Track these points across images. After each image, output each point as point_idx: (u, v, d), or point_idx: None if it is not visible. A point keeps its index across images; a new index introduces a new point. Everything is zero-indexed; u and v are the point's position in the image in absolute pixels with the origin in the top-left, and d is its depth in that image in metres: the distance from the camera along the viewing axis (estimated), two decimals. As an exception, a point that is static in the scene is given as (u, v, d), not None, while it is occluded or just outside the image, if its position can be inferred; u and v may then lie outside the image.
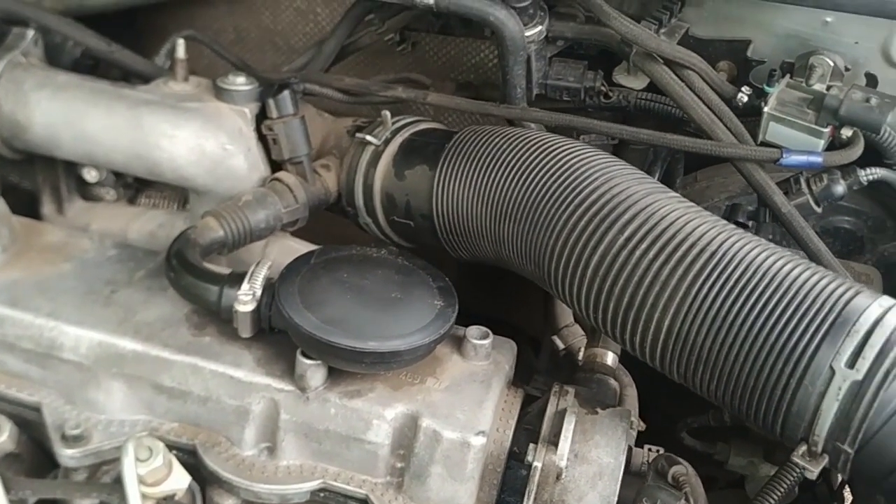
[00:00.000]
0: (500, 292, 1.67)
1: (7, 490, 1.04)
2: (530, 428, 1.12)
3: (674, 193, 1.11)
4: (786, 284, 0.96)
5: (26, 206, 1.38)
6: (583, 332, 1.46)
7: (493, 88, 1.61)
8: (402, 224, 1.30)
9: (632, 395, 1.31)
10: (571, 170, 1.12)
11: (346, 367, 1.05)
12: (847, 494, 1.51)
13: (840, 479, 1.51)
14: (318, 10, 1.74)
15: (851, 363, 0.91)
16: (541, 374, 1.40)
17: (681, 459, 1.14)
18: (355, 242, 1.21)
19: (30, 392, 1.13)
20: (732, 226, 1.06)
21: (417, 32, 1.51)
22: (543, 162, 1.14)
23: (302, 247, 1.34)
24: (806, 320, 0.94)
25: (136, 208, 1.45)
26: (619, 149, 1.46)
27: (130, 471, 0.98)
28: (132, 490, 0.98)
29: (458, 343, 1.13)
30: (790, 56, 1.28)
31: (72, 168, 1.40)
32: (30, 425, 1.14)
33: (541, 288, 1.68)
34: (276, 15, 1.77)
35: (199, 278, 1.11)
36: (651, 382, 1.31)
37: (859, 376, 0.91)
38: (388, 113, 1.32)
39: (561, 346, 1.44)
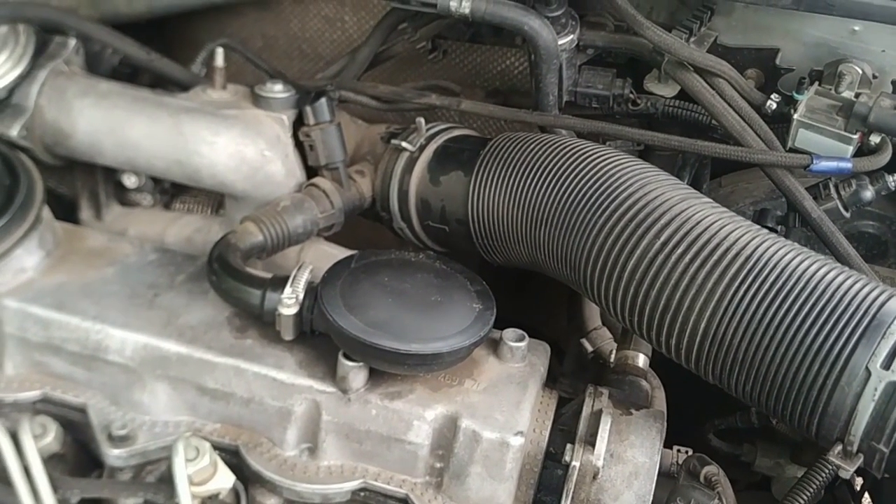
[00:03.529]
0: (522, 296, 1.69)
1: (55, 489, 1.06)
2: (565, 429, 1.14)
3: (707, 199, 1.13)
4: (821, 288, 0.98)
5: (63, 212, 1.41)
6: (610, 335, 1.49)
7: (520, 95, 1.63)
8: (437, 229, 1.33)
9: (660, 396, 1.33)
10: (607, 176, 1.14)
11: (389, 368, 1.07)
12: (866, 499, 1.53)
13: (862, 483, 1.53)
14: (346, 18, 1.76)
15: (887, 364, 0.93)
16: (566, 377, 1.42)
17: (711, 460, 1.16)
18: (378, 244, 1.24)
19: (75, 394, 1.16)
20: (766, 230, 1.08)
21: (448, 41, 1.54)
22: (579, 168, 1.16)
23: (336, 251, 1.37)
24: (842, 323, 0.96)
25: (172, 213, 1.47)
26: (645, 154, 1.48)
27: (181, 470, 1.01)
28: (183, 488, 1.00)
29: (495, 345, 1.15)
30: (818, 64, 1.30)
31: (110, 174, 1.43)
32: (74, 426, 1.16)
33: (563, 292, 1.72)
34: (304, 23, 1.80)
35: (242, 282, 1.13)
36: (677, 384, 1.33)
37: (895, 377, 0.93)
38: (422, 120, 1.34)
39: (590, 348, 1.46)
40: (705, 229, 1.06)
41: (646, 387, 1.27)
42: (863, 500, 1.54)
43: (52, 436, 1.12)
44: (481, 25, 1.40)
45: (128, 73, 1.46)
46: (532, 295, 1.68)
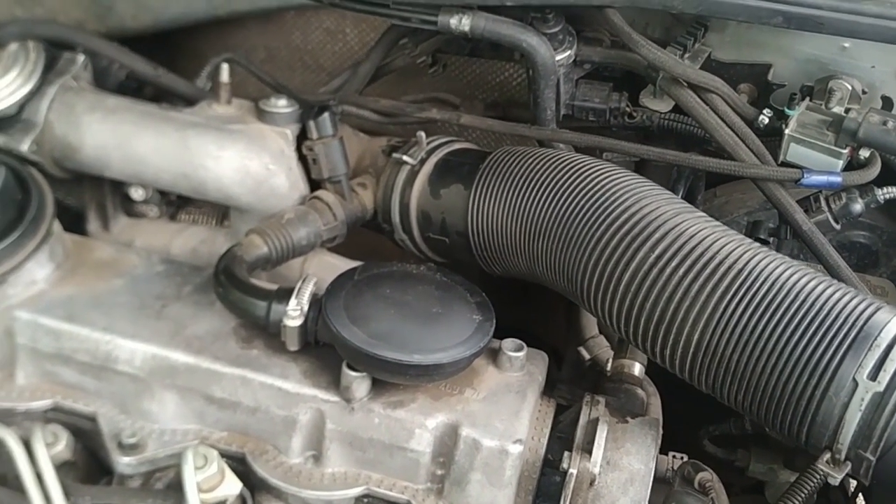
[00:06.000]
0: (522, 304, 1.72)
1: (67, 496, 1.09)
2: (563, 436, 1.16)
3: (701, 213, 1.16)
4: (810, 301, 1.02)
5: (69, 222, 1.43)
6: (607, 344, 1.52)
7: (518, 107, 1.66)
8: (438, 240, 1.36)
9: (656, 404, 1.36)
10: (603, 190, 1.17)
11: (391, 378, 1.10)
12: (860, 501, 1.56)
13: (854, 486, 1.56)
14: (347, 31, 1.79)
15: (874, 375, 0.97)
16: (564, 384, 1.45)
17: (706, 466, 1.19)
18: (378, 253, 1.26)
19: (85, 403, 1.18)
20: (757, 244, 1.11)
21: (447, 55, 1.57)
22: (576, 182, 1.19)
23: (338, 261, 1.40)
24: (830, 335, 0.99)
25: (177, 224, 1.50)
26: (641, 167, 1.51)
27: (190, 477, 1.03)
28: (192, 495, 1.03)
29: (494, 355, 1.17)
30: (809, 80, 1.33)
31: (118, 186, 1.45)
32: (84, 434, 1.18)
33: (562, 301, 1.75)
34: (306, 35, 1.82)
35: (248, 294, 1.16)
36: (671, 391, 1.36)
37: (881, 388, 0.96)
38: (423, 134, 1.37)
39: (587, 356, 1.49)
40: (699, 243, 1.09)
41: (641, 395, 1.30)
42: (856, 502, 1.56)
43: (63, 444, 1.14)
44: (480, 41, 1.42)
45: (134, 88, 1.49)
46: (532, 303, 1.71)
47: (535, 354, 1.21)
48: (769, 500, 1.49)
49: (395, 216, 1.37)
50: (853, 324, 0.99)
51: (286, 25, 1.82)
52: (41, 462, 1.08)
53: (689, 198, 1.47)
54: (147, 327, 1.18)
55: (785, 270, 1.05)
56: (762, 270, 1.05)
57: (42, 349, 1.18)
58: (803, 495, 1.08)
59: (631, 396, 1.29)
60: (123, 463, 1.13)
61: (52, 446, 1.12)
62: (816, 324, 1.00)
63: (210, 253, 1.43)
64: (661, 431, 1.20)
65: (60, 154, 1.36)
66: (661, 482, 1.18)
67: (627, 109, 1.44)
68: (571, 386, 1.41)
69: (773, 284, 1.03)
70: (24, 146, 1.33)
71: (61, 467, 1.13)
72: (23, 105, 1.34)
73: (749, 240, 1.12)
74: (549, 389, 1.23)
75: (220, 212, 1.51)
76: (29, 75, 1.34)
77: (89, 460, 1.20)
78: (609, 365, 1.39)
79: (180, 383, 1.15)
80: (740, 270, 1.05)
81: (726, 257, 1.07)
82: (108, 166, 1.36)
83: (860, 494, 1.54)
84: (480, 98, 1.73)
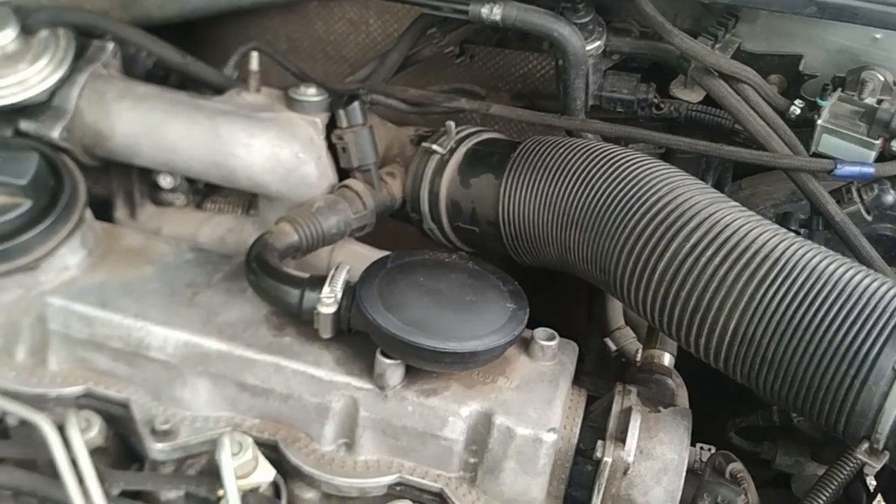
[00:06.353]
0: (541, 296, 1.72)
1: (101, 481, 1.09)
2: (594, 425, 1.16)
3: (734, 203, 1.16)
4: (849, 290, 1.02)
5: (96, 211, 1.43)
6: (633, 335, 1.52)
7: (543, 98, 1.66)
8: (467, 230, 1.36)
9: (683, 395, 1.36)
10: (636, 180, 1.17)
11: (426, 366, 1.10)
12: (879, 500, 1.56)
13: (875, 483, 1.56)
14: (371, 22, 1.79)
15: (914, 365, 0.96)
16: (587, 375, 1.45)
17: (735, 457, 1.19)
18: (402, 242, 1.26)
19: (118, 389, 1.18)
20: (792, 234, 1.11)
21: (475, 45, 1.57)
22: (609, 172, 1.19)
23: (366, 251, 1.40)
24: (869, 324, 0.99)
25: (204, 213, 1.50)
26: (668, 158, 1.50)
27: (227, 464, 1.04)
28: (229, 481, 1.03)
29: (526, 344, 1.18)
30: (841, 71, 1.33)
31: (145, 174, 1.45)
32: (116, 420, 1.19)
33: (583, 292, 1.75)
34: (328, 25, 1.82)
35: (280, 281, 1.16)
36: (698, 383, 1.37)
37: (921, 377, 0.96)
38: (452, 123, 1.37)
39: (613, 347, 1.49)
40: (734, 232, 1.08)
41: (672, 385, 1.31)
42: (876, 499, 1.57)
43: (96, 430, 1.14)
44: (508, 30, 1.42)
45: (160, 76, 1.49)
46: (550, 295, 1.70)
47: (566, 344, 1.21)
48: (795, 491, 1.50)
49: (425, 205, 1.37)
50: (893, 313, 0.99)
51: (309, 16, 1.82)
52: (76, 448, 1.09)
53: (718, 189, 1.46)
54: (179, 314, 1.19)
55: (822, 260, 1.05)
56: (799, 259, 1.05)
57: (74, 335, 1.18)
58: (836, 485, 1.08)
59: (661, 386, 1.29)
60: (157, 449, 1.13)
61: (85, 432, 1.12)
62: (855, 313, 1.00)
63: (238, 241, 1.44)
64: (691, 421, 1.20)
65: (91, 141, 1.36)
66: (689, 473, 1.18)
67: (655, 101, 1.44)
68: (594, 377, 1.42)
69: (810, 273, 1.03)
70: (55, 133, 1.32)
71: (93, 453, 1.13)
72: (53, 92, 1.34)
73: (784, 229, 1.11)
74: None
75: (246, 200, 1.51)
76: (60, 62, 1.34)
77: (120, 446, 1.21)
78: (638, 355, 1.39)
79: (213, 370, 1.15)
80: (777, 259, 1.05)
81: (762, 246, 1.06)
82: (138, 154, 1.36)
83: (879, 494, 1.55)
84: (505, 89, 1.72)
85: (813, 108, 1.29)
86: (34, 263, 1.17)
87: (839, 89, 1.30)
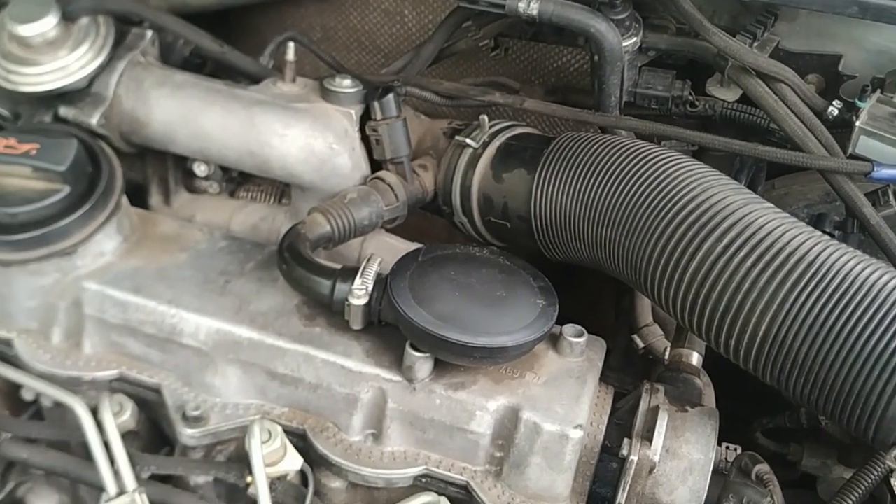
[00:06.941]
0: (566, 292, 1.72)
1: (132, 464, 1.11)
2: (621, 423, 1.17)
3: (768, 203, 1.15)
4: (882, 295, 1.01)
5: (130, 197, 1.45)
6: (661, 332, 1.51)
7: (576, 92, 1.66)
8: (498, 224, 1.36)
9: (710, 395, 1.36)
10: (670, 179, 1.16)
11: (455, 360, 1.10)
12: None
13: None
14: (406, 13, 1.79)
15: (947, 371, 0.96)
16: (612, 372, 1.45)
17: (761, 458, 1.18)
18: (427, 234, 1.24)
19: (150, 374, 1.20)
20: (827, 237, 1.10)
21: (510, 39, 1.56)
22: (643, 170, 1.18)
23: (398, 242, 1.40)
24: (903, 330, 0.98)
25: (237, 201, 1.51)
26: (700, 156, 1.49)
27: (257, 451, 1.05)
28: (259, 468, 1.05)
29: (554, 340, 1.18)
30: (880, 72, 1.31)
31: (180, 161, 1.47)
32: (147, 405, 1.21)
33: (610, 289, 1.74)
34: (363, 15, 1.83)
35: (312, 272, 1.17)
36: (725, 383, 1.36)
37: (953, 384, 0.95)
38: (485, 117, 1.37)
39: (641, 344, 1.49)
40: (768, 234, 1.08)
41: (699, 384, 1.30)
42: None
43: (128, 413, 1.17)
44: (543, 25, 1.42)
45: (197, 64, 1.50)
46: (578, 290, 1.70)
47: (594, 341, 1.21)
48: (821, 493, 1.48)
49: (456, 199, 1.38)
50: (927, 318, 0.98)
51: (344, 5, 1.83)
52: (109, 431, 1.11)
53: (751, 189, 1.45)
54: (211, 302, 1.20)
55: (857, 264, 1.04)
56: (833, 263, 1.04)
57: (109, 320, 1.20)
58: (863, 489, 1.08)
59: (689, 386, 1.29)
60: (187, 435, 1.15)
61: (117, 416, 1.15)
62: (890, 318, 0.99)
63: (270, 230, 1.45)
64: (718, 422, 1.20)
65: (128, 128, 1.37)
66: (715, 473, 1.18)
67: (690, 98, 1.43)
68: (620, 374, 1.41)
69: (844, 277, 1.02)
70: (94, 119, 1.34)
71: (125, 436, 1.15)
72: (93, 79, 1.36)
73: (818, 232, 1.10)
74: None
75: (278, 189, 1.53)
76: (99, 50, 1.35)
77: (151, 431, 1.23)
78: (666, 353, 1.39)
79: (243, 358, 1.17)
80: (811, 262, 1.04)
81: (797, 249, 1.06)
82: (174, 141, 1.37)
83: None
84: (539, 82, 1.72)
85: (851, 109, 1.28)
86: (71, 248, 1.19)
87: (878, 91, 1.28)
